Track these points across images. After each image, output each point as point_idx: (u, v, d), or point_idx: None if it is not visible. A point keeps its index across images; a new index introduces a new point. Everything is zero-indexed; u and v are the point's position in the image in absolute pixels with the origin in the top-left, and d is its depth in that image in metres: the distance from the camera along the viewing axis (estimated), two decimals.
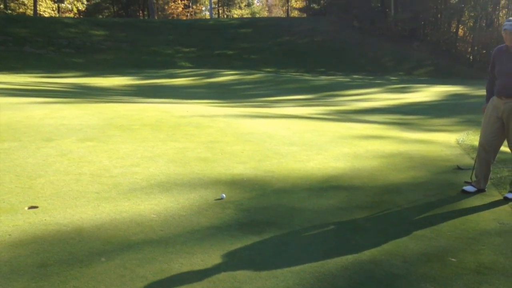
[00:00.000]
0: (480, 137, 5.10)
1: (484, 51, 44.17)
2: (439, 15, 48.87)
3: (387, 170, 5.97)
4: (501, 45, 4.95)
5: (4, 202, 4.31)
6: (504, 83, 4.83)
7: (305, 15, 63.94)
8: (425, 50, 43.18)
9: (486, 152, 5.02)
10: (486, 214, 4.52)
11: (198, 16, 71.10)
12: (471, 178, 5.33)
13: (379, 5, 51.51)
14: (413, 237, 3.87)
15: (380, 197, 4.92)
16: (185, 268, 3.22)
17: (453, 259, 3.49)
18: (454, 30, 48.94)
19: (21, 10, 54.20)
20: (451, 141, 8.16)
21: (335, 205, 4.61)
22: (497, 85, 4.94)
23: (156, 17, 54.79)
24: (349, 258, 3.45)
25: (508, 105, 4.80)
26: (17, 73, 25.72)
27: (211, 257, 3.40)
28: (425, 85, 24.41)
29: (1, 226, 3.78)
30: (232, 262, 3.34)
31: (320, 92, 21.20)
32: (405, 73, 37.27)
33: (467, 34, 49.78)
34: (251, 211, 4.38)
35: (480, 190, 5.11)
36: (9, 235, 3.63)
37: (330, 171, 5.83)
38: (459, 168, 6.14)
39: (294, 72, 33.84)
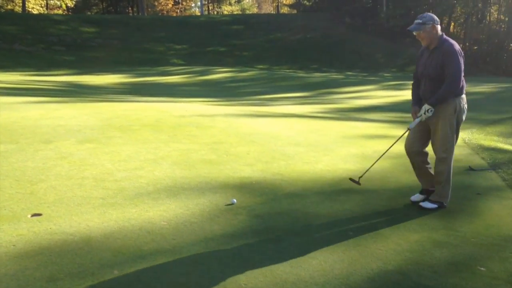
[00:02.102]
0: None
1: (476, 47, 44.29)
2: (431, 11, 48.86)
3: (399, 171, 5.82)
4: None
5: (5, 209, 4.10)
6: None
7: (295, 11, 63.73)
8: (417, 46, 43.17)
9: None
10: (507, 218, 4.38)
11: (188, 12, 70.61)
12: None
13: (370, 1, 51.45)
14: (437, 245, 3.71)
15: (395, 201, 4.77)
16: (204, 281, 3.04)
17: (482, 268, 3.34)
18: (446, 26, 48.98)
19: (9, 6, 53.49)
20: (458, 141, 7.98)
21: (351, 210, 4.44)
22: None
23: (145, 14, 54.32)
24: (375, 268, 3.28)
25: None
26: (8, 71, 25.31)
27: (229, 268, 3.22)
28: None
29: (4, 235, 3.57)
30: (252, 273, 3.16)
31: (315, 89, 21.03)
32: (398, 70, 37.24)
33: (458, 30, 49.89)
34: (264, 217, 4.20)
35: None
36: (13, 245, 3.42)
37: (341, 173, 5.66)
38: (471, 169, 6.01)
39: (287, 69, 33.64)
